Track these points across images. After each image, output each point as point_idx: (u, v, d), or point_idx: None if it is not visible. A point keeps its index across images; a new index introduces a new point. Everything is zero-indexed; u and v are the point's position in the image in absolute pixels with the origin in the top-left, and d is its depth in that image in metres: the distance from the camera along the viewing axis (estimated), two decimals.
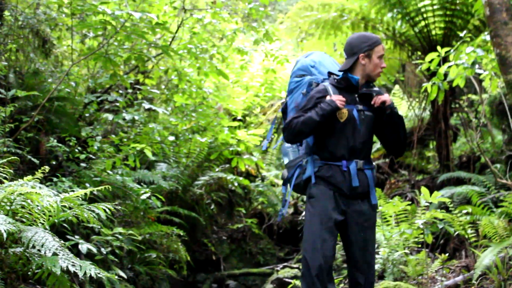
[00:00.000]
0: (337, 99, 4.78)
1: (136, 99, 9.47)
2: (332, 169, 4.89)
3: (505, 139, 11.06)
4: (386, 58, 12.42)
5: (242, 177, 11.92)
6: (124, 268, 7.47)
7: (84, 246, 6.01)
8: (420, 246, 7.98)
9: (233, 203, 12.36)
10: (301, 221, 12.27)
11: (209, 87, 11.17)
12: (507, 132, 10.94)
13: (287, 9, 18.99)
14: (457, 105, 12.74)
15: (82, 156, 7.73)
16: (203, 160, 11.00)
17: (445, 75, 7.88)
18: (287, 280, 8.92)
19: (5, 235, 4.35)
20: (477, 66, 7.56)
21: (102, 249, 6.74)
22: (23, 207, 5.04)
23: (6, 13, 8.18)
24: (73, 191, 5.83)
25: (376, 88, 4.98)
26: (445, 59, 8.00)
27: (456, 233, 7.66)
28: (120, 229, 7.12)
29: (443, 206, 8.88)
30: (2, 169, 5.42)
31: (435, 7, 11.04)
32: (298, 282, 8.05)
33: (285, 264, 10.48)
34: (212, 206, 11.19)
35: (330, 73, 5.05)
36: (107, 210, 5.39)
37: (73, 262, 4.71)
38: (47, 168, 5.50)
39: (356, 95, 4.94)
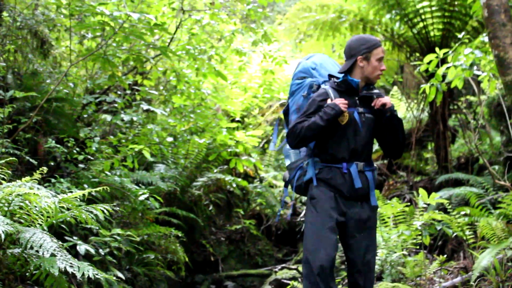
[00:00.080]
0: (340, 102, 4.78)
1: (135, 100, 9.47)
2: (332, 171, 4.90)
3: (503, 141, 11.06)
4: (384, 59, 12.42)
5: (240, 178, 11.92)
6: (122, 269, 7.46)
7: (82, 247, 6.01)
8: (418, 247, 7.98)
9: (232, 204, 12.36)
10: (300, 222, 12.28)
11: (207, 88, 11.17)
12: (505, 133, 10.94)
13: (285, 10, 19.01)
14: (455, 107, 12.76)
15: (80, 157, 7.73)
16: (202, 161, 11.00)
17: (444, 76, 7.89)
18: (285, 281, 8.93)
19: (3, 236, 4.35)
20: (475, 67, 7.57)
21: (100, 250, 6.74)
22: (21, 208, 5.03)
23: (5, 13, 8.18)
24: (71, 192, 5.82)
25: (376, 91, 4.98)
26: (443, 61, 8.01)
27: (454, 234, 7.66)
28: (118, 230, 7.12)
29: (441, 208, 8.88)
30: (0, 170, 5.41)
31: (433, 8, 11.05)
32: (296, 283, 8.05)
33: (284, 265, 10.49)
34: (211, 207, 11.19)
35: (330, 76, 5.06)
36: (105, 211, 5.38)
37: (71, 263, 4.71)
38: (45, 169, 5.49)
39: (357, 98, 4.95)
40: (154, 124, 9.59)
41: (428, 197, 7.29)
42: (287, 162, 5.34)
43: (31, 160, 6.99)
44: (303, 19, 12.18)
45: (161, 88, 11.14)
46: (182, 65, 10.12)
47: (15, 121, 7.41)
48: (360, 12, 11.86)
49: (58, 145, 7.52)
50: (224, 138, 10.24)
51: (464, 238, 7.51)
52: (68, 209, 5.31)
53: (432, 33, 11.42)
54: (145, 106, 8.80)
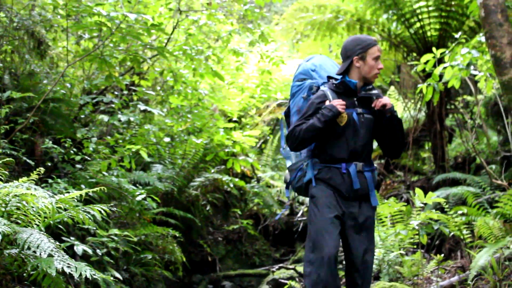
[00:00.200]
0: (338, 103, 4.79)
1: (132, 101, 9.46)
2: (331, 171, 4.92)
3: (500, 140, 11.09)
4: (381, 59, 12.44)
5: (237, 178, 11.92)
6: (119, 269, 7.46)
7: (79, 248, 6.00)
8: (415, 246, 7.99)
9: (229, 204, 12.36)
10: (297, 222, 12.29)
11: (204, 88, 11.17)
12: (502, 133, 10.97)
13: (282, 10, 19.01)
14: (452, 106, 12.77)
15: (78, 158, 7.72)
16: (199, 161, 10.99)
17: (441, 76, 7.90)
18: (283, 281, 8.92)
19: (0, 237, 4.34)
20: (472, 67, 7.58)
21: (98, 251, 6.73)
22: (18, 208, 5.03)
23: (1, 14, 8.17)
24: (69, 192, 5.81)
25: (375, 91, 4.99)
26: (440, 60, 8.03)
27: (452, 234, 7.67)
28: (116, 231, 7.12)
29: (438, 207, 8.90)
30: None
31: (430, 8, 11.06)
32: (294, 283, 8.05)
33: (281, 265, 10.48)
34: (208, 207, 11.19)
35: (329, 77, 5.07)
36: (102, 211, 5.38)
37: (68, 264, 4.70)
38: (42, 169, 5.49)
39: (355, 99, 4.96)
40: (151, 124, 9.58)
41: (425, 196, 7.30)
42: (288, 164, 5.37)
43: (28, 160, 6.99)
44: (300, 19, 12.19)
45: (158, 88, 11.13)
46: (179, 65, 10.11)
47: (12, 122, 7.40)
48: (357, 12, 11.87)
49: (55, 146, 7.52)
50: (221, 138, 10.24)
51: (461, 237, 7.53)
52: (65, 209, 5.30)
53: (429, 33, 11.43)
54: (142, 107, 8.79)
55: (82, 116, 8.87)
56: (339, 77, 4.99)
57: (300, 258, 10.88)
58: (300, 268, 9.16)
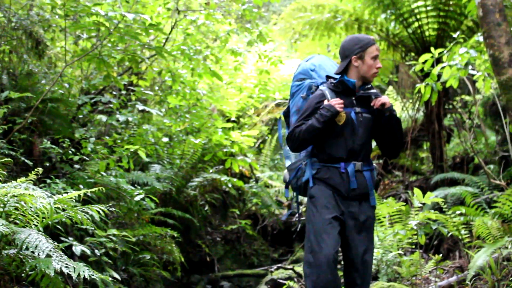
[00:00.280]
0: (336, 103, 4.80)
1: (130, 101, 9.45)
2: (330, 171, 4.92)
3: (499, 140, 11.09)
4: (379, 59, 12.42)
5: (236, 178, 11.91)
6: (118, 269, 7.45)
7: (78, 248, 6.00)
8: (414, 247, 7.99)
9: (227, 204, 12.36)
10: (295, 222, 12.28)
11: (203, 88, 11.16)
12: (500, 132, 10.97)
13: (280, 10, 19.01)
14: (450, 106, 12.78)
15: (76, 158, 7.71)
16: (197, 161, 10.99)
17: (439, 76, 7.91)
18: (281, 281, 8.92)
19: None
20: (470, 67, 7.59)
21: (96, 251, 6.73)
22: (16, 208, 5.02)
23: None
24: (67, 192, 5.80)
25: (373, 90, 4.99)
26: (438, 60, 8.03)
27: (450, 234, 7.67)
28: (114, 231, 7.11)
29: (436, 207, 8.90)
30: None
31: (428, 8, 11.07)
32: (292, 283, 8.05)
33: (279, 265, 10.47)
34: (206, 208, 11.18)
35: (328, 77, 5.07)
36: (100, 211, 5.37)
37: (66, 264, 4.70)
38: (40, 169, 5.48)
39: (354, 98, 4.96)
40: (150, 124, 9.58)
41: (424, 196, 7.30)
42: (287, 163, 5.38)
43: (26, 160, 6.98)
44: (298, 19, 12.19)
45: (157, 88, 11.13)
46: (178, 65, 10.11)
47: (10, 122, 7.39)
48: (355, 12, 11.87)
49: (54, 146, 7.51)
50: (220, 138, 10.23)
51: (460, 237, 7.53)
52: (63, 209, 5.29)
53: (427, 33, 11.43)
54: (140, 107, 8.78)
55: (80, 116, 8.86)
56: (337, 76, 5.00)
57: (298, 258, 10.88)
58: (298, 268, 9.16)
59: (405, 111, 13.11)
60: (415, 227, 7.48)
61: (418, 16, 11.21)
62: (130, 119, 8.53)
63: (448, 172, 10.97)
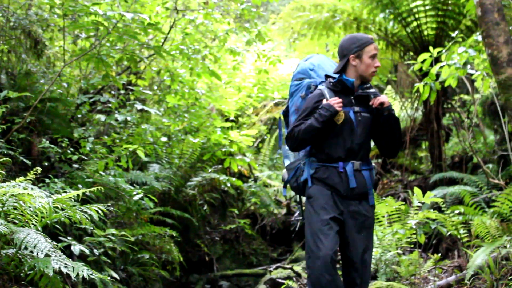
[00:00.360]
0: (335, 102, 4.79)
1: (129, 100, 9.45)
2: (328, 171, 4.92)
3: (497, 139, 11.09)
4: (378, 58, 12.43)
5: (234, 177, 11.91)
6: (116, 269, 7.45)
7: (76, 247, 6.00)
8: (412, 246, 7.99)
9: (226, 204, 12.36)
10: (294, 222, 12.28)
11: (201, 87, 11.16)
12: (499, 132, 10.97)
13: (279, 9, 19.00)
14: (449, 105, 12.77)
15: (75, 157, 7.71)
16: (196, 161, 10.99)
17: (437, 75, 7.91)
18: (280, 280, 8.92)
19: None
20: (469, 66, 7.59)
21: (95, 250, 6.73)
22: (15, 208, 5.02)
23: None
24: (66, 192, 5.80)
25: (372, 90, 4.99)
26: (437, 60, 8.03)
27: (449, 233, 7.67)
28: (113, 230, 7.11)
29: (435, 206, 8.90)
30: None
31: (427, 7, 11.07)
32: (291, 283, 8.05)
33: (278, 264, 10.47)
34: (205, 207, 11.18)
35: (327, 76, 5.07)
36: (99, 211, 5.38)
37: (65, 263, 4.70)
38: (39, 169, 5.48)
39: (352, 97, 4.96)
40: (148, 124, 9.57)
41: (423, 196, 7.30)
42: (286, 163, 5.37)
43: (25, 160, 6.98)
44: (297, 18, 12.18)
45: (155, 88, 11.12)
46: (176, 64, 10.10)
47: (9, 122, 7.39)
48: (353, 11, 11.87)
49: (52, 145, 7.51)
50: (219, 137, 10.23)
51: (459, 236, 7.53)
52: (62, 209, 5.30)
53: (425, 32, 11.44)
54: (139, 106, 8.78)
55: (79, 116, 8.86)
56: (336, 75, 5.00)
57: (297, 258, 10.89)
58: (297, 268, 9.17)
59: (404, 110, 13.12)
60: (414, 227, 7.48)
61: (416, 16, 11.21)
62: (129, 118, 8.53)
63: (447, 171, 10.98)
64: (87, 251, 6.05)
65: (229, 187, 11.85)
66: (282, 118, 5.51)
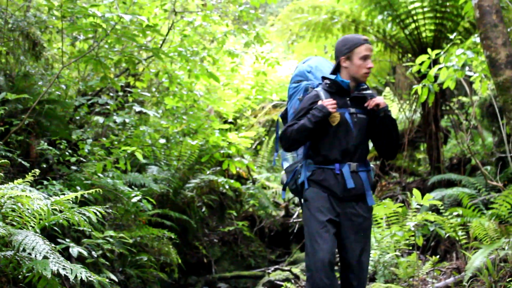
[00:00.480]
0: (328, 103, 4.79)
1: (127, 102, 9.45)
2: (325, 173, 4.92)
3: (496, 141, 11.10)
4: (376, 60, 12.45)
5: (233, 179, 11.91)
6: (115, 271, 7.45)
7: (75, 249, 5.99)
8: (411, 248, 8.00)
9: (224, 206, 12.35)
10: (292, 224, 12.29)
11: (200, 89, 11.17)
12: (497, 134, 10.98)
13: (277, 11, 19.02)
14: (447, 107, 12.79)
15: (73, 159, 7.71)
16: (194, 162, 10.98)
17: (436, 77, 7.91)
18: (278, 282, 8.92)
19: None
20: (467, 68, 7.59)
21: (93, 252, 6.72)
22: (13, 210, 5.02)
23: None
24: (64, 194, 5.81)
25: (369, 91, 4.99)
26: (435, 61, 8.04)
27: (447, 235, 7.67)
28: (111, 232, 7.10)
29: (434, 208, 8.90)
30: None
31: (425, 9, 11.07)
32: (289, 285, 8.05)
33: (277, 266, 10.47)
34: (203, 209, 11.17)
35: (324, 78, 5.07)
36: (98, 213, 5.37)
37: (64, 266, 4.69)
38: (37, 171, 5.47)
39: (348, 99, 4.95)
40: (147, 126, 9.57)
41: (421, 197, 7.30)
42: (285, 165, 5.37)
43: (23, 162, 6.97)
44: (295, 20, 12.19)
45: (154, 89, 11.12)
46: (175, 66, 10.11)
47: (7, 123, 7.38)
48: (352, 13, 11.88)
49: (51, 147, 7.50)
50: (217, 139, 10.24)
51: (457, 238, 7.53)
52: (60, 211, 5.29)
53: (424, 34, 11.44)
54: (137, 108, 8.79)
55: (77, 118, 8.85)
56: (333, 77, 5.00)
57: (295, 260, 10.88)
58: (295, 270, 9.17)
59: (402, 112, 13.13)
60: (412, 229, 7.48)
61: (415, 18, 11.22)
62: (127, 120, 8.53)
63: (445, 173, 10.98)
64: (85, 253, 6.04)
65: (228, 189, 11.85)
66: (280, 120, 5.51)
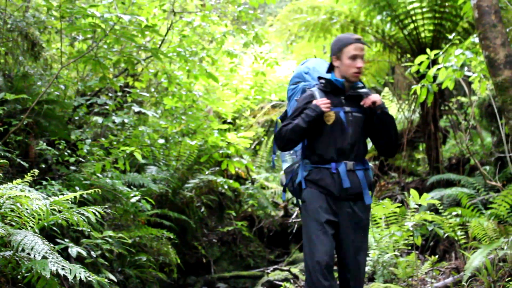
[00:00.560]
0: (322, 103, 4.80)
1: (126, 102, 9.45)
2: (321, 172, 4.92)
3: (494, 141, 11.11)
4: (375, 60, 12.45)
5: (232, 179, 11.91)
6: (114, 271, 7.45)
7: (74, 250, 5.99)
8: (410, 248, 8.00)
9: (223, 206, 12.35)
10: (291, 224, 12.29)
11: (199, 90, 11.17)
12: (496, 134, 10.99)
13: (276, 11, 19.01)
14: (446, 107, 12.79)
15: (72, 159, 7.71)
16: (193, 163, 10.99)
17: (434, 77, 7.91)
18: (277, 282, 8.92)
19: None
20: (466, 68, 7.59)
21: (92, 253, 6.72)
22: (12, 210, 5.02)
23: None
24: (63, 194, 5.81)
25: (365, 90, 4.98)
26: (434, 62, 8.03)
27: (446, 235, 7.68)
28: (110, 232, 7.10)
29: (432, 208, 8.91)
30: None
31: (424, 9, 11.07)
32: (288, 285, 8.05)
33: (276, 266, 10.48)
34: (202, 209, 11.18)
35: (320, 78, 5.08)
36: (96, 213, 5.37)
37: (63, 266, 4.69)
38: (36, 171, 5.48)
39: (343, 97, 4.96)
40: (146, 126, 9.57)
41: (420, 197, 7.30)
42: (284, 166, 5.38)
43: (22, 162, 6.97)
44: (294, 20, 12.18)
45: (152, 90, 11.12)
46: (173, 67, 10.11)
47: (6, 124, 7.38)
48: (351, 14, 11.87)
49: (49, 148, 7.50)
50: (216, 139, 10.23)
51: (456, 238, 7.53)
52: (59, 211, 5.29)
53: (423, 34, 11.44)
54: (136, 108, 8.78)
55: (76, 118, 8.85)
56: (328, 76, 5.01)
57: (294, 260, 10.88)
58: (294, 270, 9.18)
59: (401, 112, 13.13)
60: (411, 228, 7.49)
61: (413, 18, 11.22)
62: (126, 120, 8.53)
63: (444, 173, 10.98)
64: (84, 253, 6.05)
65: (227, 189, 11.85)
66: (279, 122, 5.51)
